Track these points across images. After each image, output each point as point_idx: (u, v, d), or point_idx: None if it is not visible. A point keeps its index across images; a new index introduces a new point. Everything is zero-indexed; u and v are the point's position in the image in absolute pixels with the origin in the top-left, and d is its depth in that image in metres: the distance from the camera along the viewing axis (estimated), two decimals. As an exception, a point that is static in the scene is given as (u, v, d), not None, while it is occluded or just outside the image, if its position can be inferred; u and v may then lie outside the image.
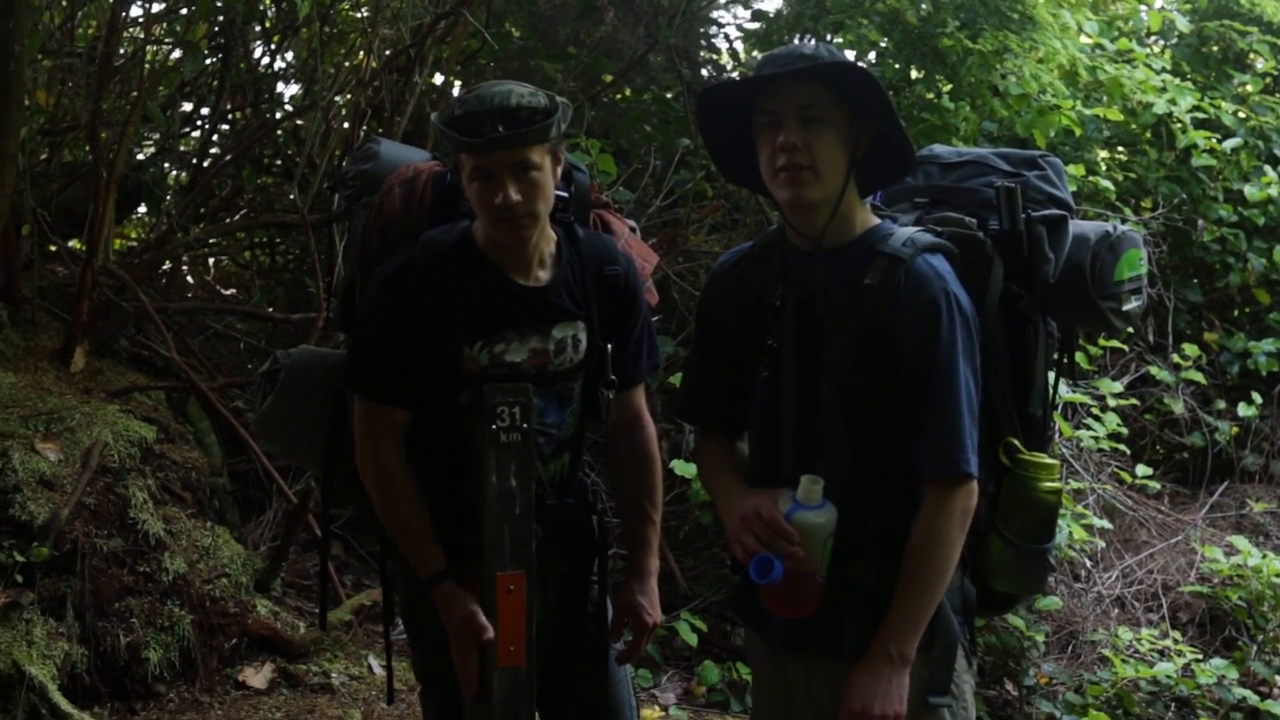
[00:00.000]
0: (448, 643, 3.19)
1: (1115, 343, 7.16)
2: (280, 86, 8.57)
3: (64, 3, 7.27)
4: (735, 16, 12.43)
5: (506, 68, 8.16)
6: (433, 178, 3.36)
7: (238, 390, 7.20)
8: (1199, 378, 7.81)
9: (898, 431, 2.86)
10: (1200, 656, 6.29)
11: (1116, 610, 6.83)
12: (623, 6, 8.14)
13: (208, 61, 7.71)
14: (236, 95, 8.11)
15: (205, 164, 8.12)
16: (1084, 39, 8.12)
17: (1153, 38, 9.38)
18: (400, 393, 3.21)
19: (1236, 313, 8.95)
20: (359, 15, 8.15)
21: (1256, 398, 7.89)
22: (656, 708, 5.90)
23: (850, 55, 7.48)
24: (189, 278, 8.70)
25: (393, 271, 3.20)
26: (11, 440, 5.38)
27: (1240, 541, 6.80)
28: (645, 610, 3.43)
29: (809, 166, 2.85)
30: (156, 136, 8.08)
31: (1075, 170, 7.18)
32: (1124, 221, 4.09)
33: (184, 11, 7.50)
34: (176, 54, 7.58)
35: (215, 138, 8.45)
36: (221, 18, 7.33)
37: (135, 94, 6.85)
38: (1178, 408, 7.98)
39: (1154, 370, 7.87)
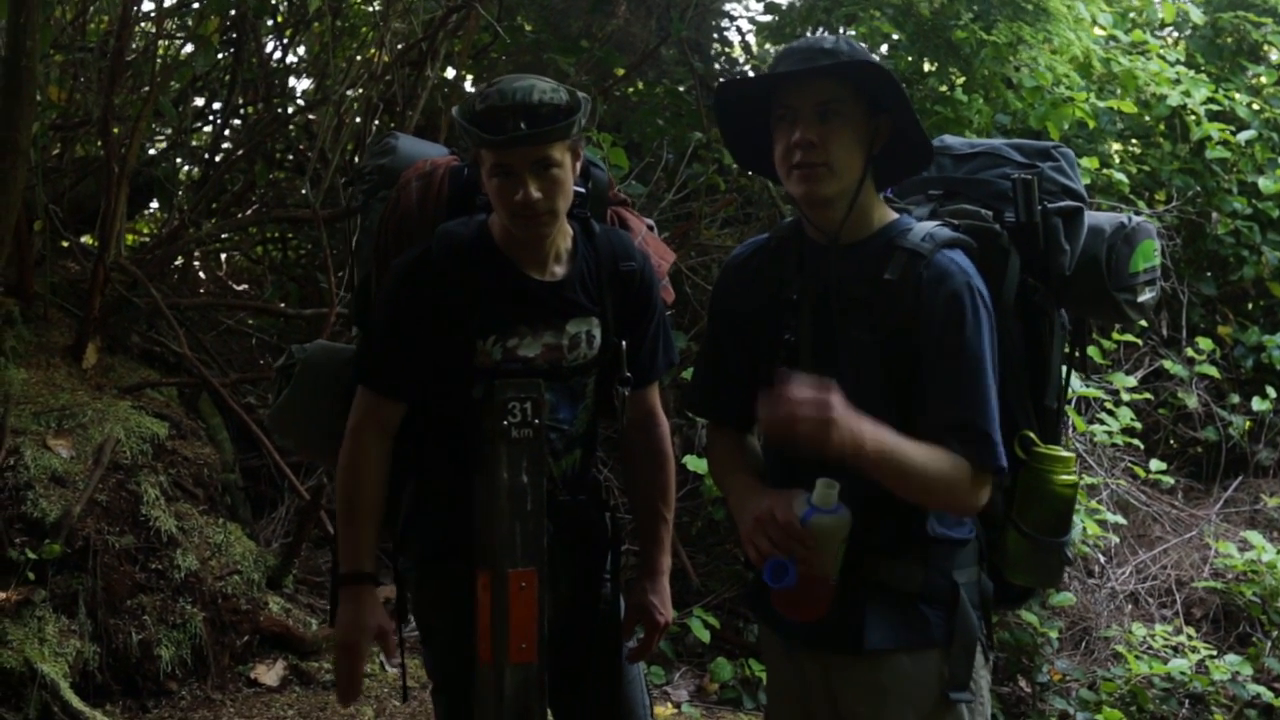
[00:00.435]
0: (459, 641, 3.18)
1: (1129, 337, 7.13)
2: (292, 81, 8.59)
3: (75, -2, 7.29)
4: (747, 9, 12.48)
5: (518, 61, 8.17)
6: (449, 172, 3.35)
7: (250, 386, 7.21)
8: (1213, 372, 7.77)
9: (915, 427, 2.83)
10: (1214, 653, 6.26)
11: (1130, 606, 6.81)
12: (635, 0, 8.13)
13: (220, 56, 7.74)
14: (248, 90, 8.12)
15: (217, 159, 8.14)
16: (1098, 31, 8.08)
17: (1167, 29, 9.33)
18: (400, 386, 3.21)
19: (1251, 306, 8.92)
20: (371, 9, 8.16)
21: (1271, 392, 7.85)
22: (669, 705, 5.89)
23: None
24: (201, 273, 8.70)
25: (408, 264, 3.19)
26: (23, 437, 5.39)
27: (1254, 537, 6.77)
28: (656, 609, 3.42)
29: (823, 163, 2.83)
30: (168, 131, 8.08)
31: (1089, 163, 7.16)
32: (1138, 214, 4.06)
33: (196, 6, 7.52)
34: (188, 49, 7.59)
35: (227, 133, 8.47)
36: (233, 12, 7.32)
37: (147, 89, 6.87)
38: (1191, 402, 7.95)
39: (1168, 364, 7.84)
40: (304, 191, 7.30)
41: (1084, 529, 6.13)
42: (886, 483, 2.76)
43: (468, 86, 8.14)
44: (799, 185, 2.87)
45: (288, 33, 8.18)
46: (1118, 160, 8.23)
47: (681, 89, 8.46)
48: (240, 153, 7.76)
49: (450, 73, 7.98)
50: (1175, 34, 9.36)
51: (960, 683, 2.90)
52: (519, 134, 2.98)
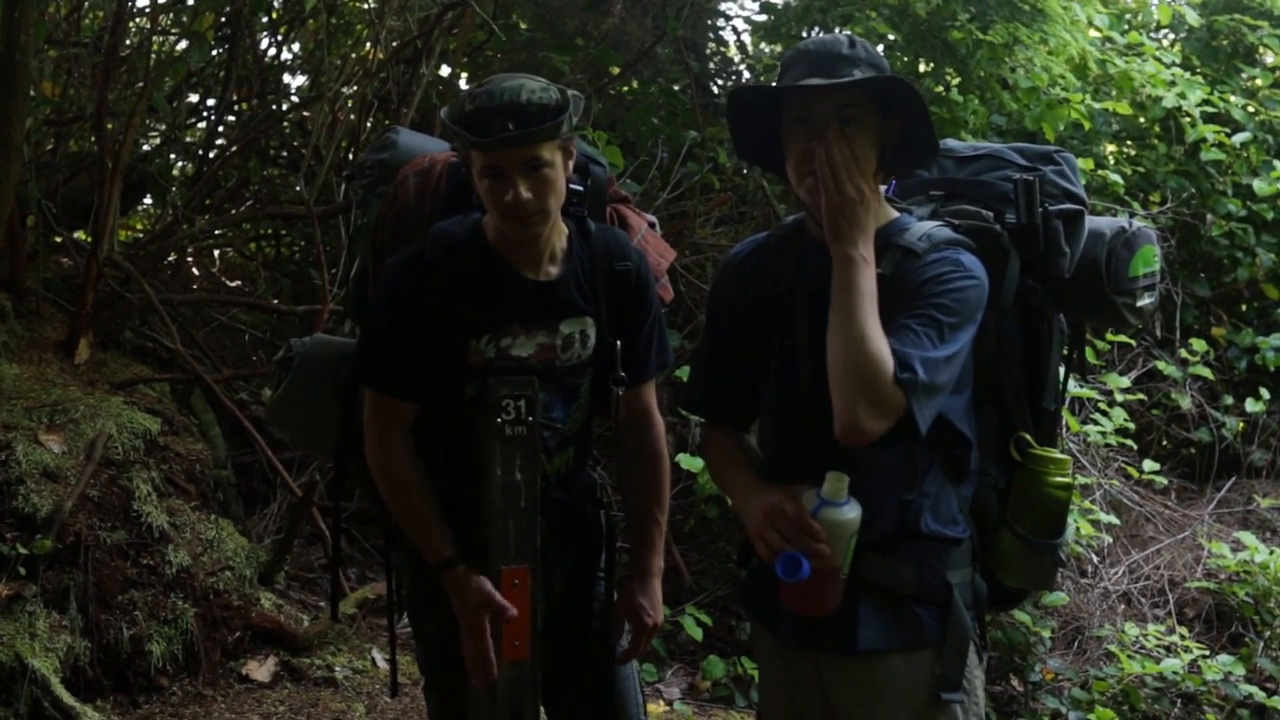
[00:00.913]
0: (451, 636, 3.17)
1: (1123, 338, 7.14)
2: (286, 78, 8.60)
3: (70, -7, 7.27)
4: (743, 8, 12.48)
5: (513, 59, 8.16)
6: (448, 168, 3.34)
7: (242, 382, 7.20)
8: (1206, 373, 7.78)
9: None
10: (1207, 652, 6.27)
11: (1123, 606, 6.82)
12: (630, -2, 8.14)
13: (214, 52, 7.71)
14: (243, 86, 8.11)
15: (211, 155, 8.12)
16: (1094, 32, 8.09)
17: (1162, 31, 9.35)
18: (407, 386, 3.20)
19: (1245, 308, 8.93)
20: (366, 6, 8.14)
21: (1264, 393, 7.88)
22: (661, 702, 5.89)
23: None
24: (194, 269, 8.69)
25: (402, 263, 3.18)
26: (15, 432, 5.37)
27: (1247, 537, 6.79)
28: (646, 611, 3.40)
29: None
30: (162, 127, 8.06)
31: (1084, 164, 7.15)
32: (1133, 216, 4.06)
33: (190, 2, 7.50)
34: (183, 45, 7.56)
35: (221, 129, 8.45)
36: (228, 8, 7.31)
37: (141, 85, 6.84)
38: (1185, 403, 7.96)
39: (1161, 365, 7.85)
40: (298, 188, 7.30)
41: (1077, 529, 6.15)
42: (833, 311, 2.74)
43: (462, 84, 8.13)
44: (813, 195, 2.85)
45: (282, 29, 8.17)
46: (1113, 161, 8.25)
47: (677, 88, 8.46)
48: (234, 149, 7.74)
49: (445, 70, 7.98)
50: (1171, 36, 9.38)
51: (953, 683, 2.89)
52: (507, 135, 2.97)
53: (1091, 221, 3.14)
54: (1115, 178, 7.53)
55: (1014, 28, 7.26)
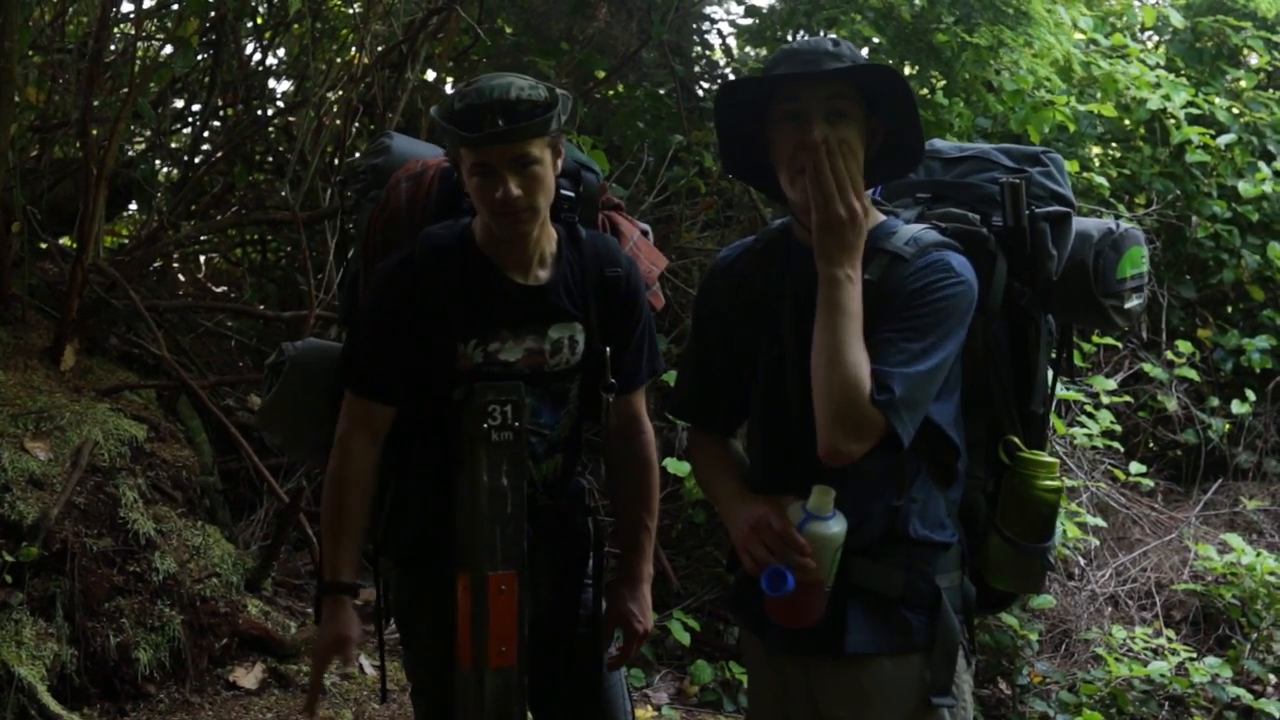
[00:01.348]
0: (439, 643, 3.18)
1: (1109, 340, 7.15)
2: (272, 83, 8.57)
3: (54, -2, 7.25)
4: (728, 12, 12.47)
5: (499, 64, 8.15)
6: (440, 173, 3.34)
7: (229, 389, 7.19)
8: (1193, 375, 7.80)
9: None
10: (1194, 655, 6.29)
11: (1110, 609, 6.83)
12: (615, 2, 8.15)
13: (199, 58, 7.69)
14: (228, 92, 8.09)
15: (196, 161, 8.09)
16: (1078, 34, 8.10)
17: (1147, 33, 9.37)
18: (387, 390, 3.20)
19: (1230, 309, 8.95)
20: (351, 11, 8.13)
21: (1250, 395, 7.89)
22: (649, 707, 5.89)
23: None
24: (180, 275, 8.66)
25: (391, 268, 3.19)
26: (1, 439, 5.35)
27: (1234, 539, 6.80)
28: (635, 618, 3.40)
29: None
30: (147, 133, 8.03)
31: (1069, 166, 7.14)
32: (1118, 218, 4.06)
33: (175, 7, 7.47)
34: (168, 50, 7.55)
35: (206, 134, 8.42)
36: (213, 14, 7.29)
37: (126, 90, 6.82)
38: (1171, 405, 7.97)
39: (1147, 367, 7.87)
40: (283, 194, 7.28)
41: (1064, 531, 6.14)
42: (817, 331, 2.74)
43: (448, 89, 8.12)
44: (803, 196, 2.83)
45: (267, 34, 8.16)
46: (1098, 164, 8.26)
47: (662, 92, 8.45)
48: (219, 155, 7.73)
49: (430, 75, 7.97)
50: (1155, 38, 9.41)
51: (942, 687, 2.88)
52: (497, 131, 2.98)
53: (1079, 223, 3.13)
54: (1100, 180, 7.55)
55: (999, 30, 7.27)
